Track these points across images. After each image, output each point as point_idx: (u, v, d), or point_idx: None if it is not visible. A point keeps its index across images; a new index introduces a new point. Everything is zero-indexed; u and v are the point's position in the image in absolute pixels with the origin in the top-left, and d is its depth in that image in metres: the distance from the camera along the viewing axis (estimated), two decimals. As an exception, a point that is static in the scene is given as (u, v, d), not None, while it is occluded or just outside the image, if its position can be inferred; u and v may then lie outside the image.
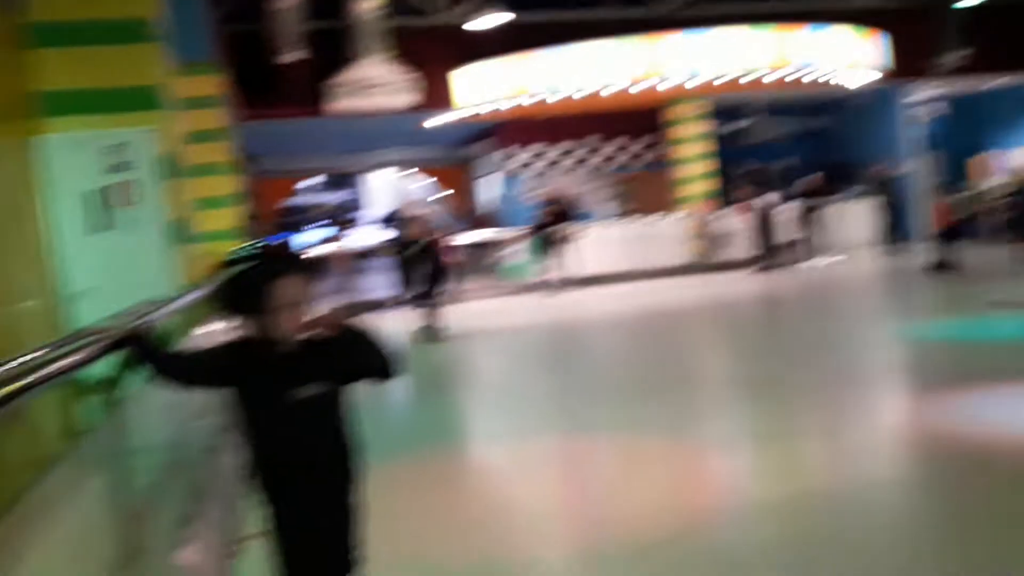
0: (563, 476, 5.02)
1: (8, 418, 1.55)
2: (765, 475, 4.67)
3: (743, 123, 20.68)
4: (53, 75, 5.59)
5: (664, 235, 15.92)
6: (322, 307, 2.36)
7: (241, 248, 2.38)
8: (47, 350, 2.11)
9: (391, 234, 14.23)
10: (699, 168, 17.18)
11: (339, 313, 2.32)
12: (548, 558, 3.77)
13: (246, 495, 4.55)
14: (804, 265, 15.57)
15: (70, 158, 5.59)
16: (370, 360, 2.34)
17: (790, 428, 5.35)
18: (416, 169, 25.12)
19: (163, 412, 4.08)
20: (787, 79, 15.42)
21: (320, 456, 2.33)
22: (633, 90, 15.14)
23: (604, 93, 15.22)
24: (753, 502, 4.21)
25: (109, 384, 2.68)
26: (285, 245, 2.54)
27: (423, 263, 14.74)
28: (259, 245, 2.38)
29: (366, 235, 19.50)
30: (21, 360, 1.84)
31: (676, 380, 7.07)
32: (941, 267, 12.61)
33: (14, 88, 5.49)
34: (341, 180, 29.53)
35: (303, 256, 2.43)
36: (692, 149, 17.22)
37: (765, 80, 15.26)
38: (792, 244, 16.07)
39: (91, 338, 2.30)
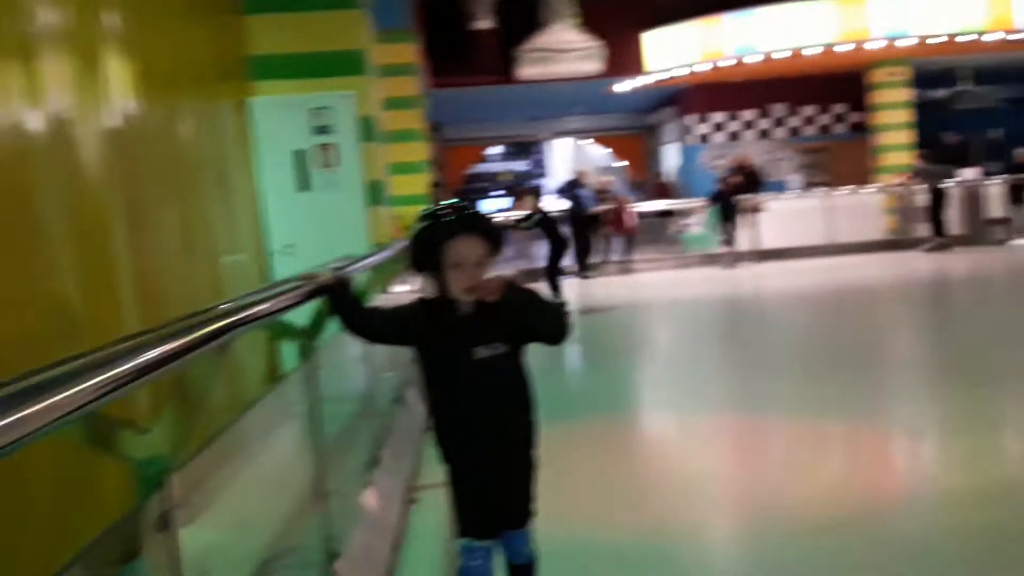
0: (736, 450, 4.89)
1: (216, 357, 1.66)
2: (952, 463, 4.35)
3: (948, 91, 19.10)
4: (263, 40, 5.94)
5: (854, 209, 14.91)
6: (496, 272, 2.35)
7: (428, 208, 2.41)
8: (254, 295, 2.26)
9: (568, 203, 14.23)
10: (899, 138, 16.08)
11: (505, 279, 2.30)
12: (718, 528, 3.70)
13: (428, 447, 4.80)
14: (1012, 244, 14.30)
15: (278, 120, 5.96)
16: (542, 323, 2.35)
17: (981, 416, 4.95)
18: (597, 137, 25.03)
19: (356, 362, 4.32)
20: (1008, 39, 14.08)
21: (499, 414, 2.35)
22: (837, 49, 14.32)
23: (805, 53, 14.49)
24: (938, 490, 3.93)
25: (307, 332, 2.87)
26: (465, 206, 2.49)
27: (599, 232, 14.79)
28: (443, 205, 2.40)
29: (545, 203, 19.62)
30: (230, 303, 1.97)
31: (858, 360, 6.69)
32: None
33: (232, 52, 5.89)
34: (523, 148, 29.92)
35: (481, 218, 2.39)
36: (892, 117, 16.12)
37: (984, 40, 14.00)
38: (998, 222, 14.78)
39: (292, 285, 2.45)
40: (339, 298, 2.44)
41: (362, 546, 3.19)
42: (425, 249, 2.32)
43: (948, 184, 14.33)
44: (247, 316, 1.78)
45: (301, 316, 2.63)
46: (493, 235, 2.32)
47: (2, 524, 2.47)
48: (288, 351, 2.87)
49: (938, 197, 14.08)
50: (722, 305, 10.87)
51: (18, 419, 0.99)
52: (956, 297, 10.73)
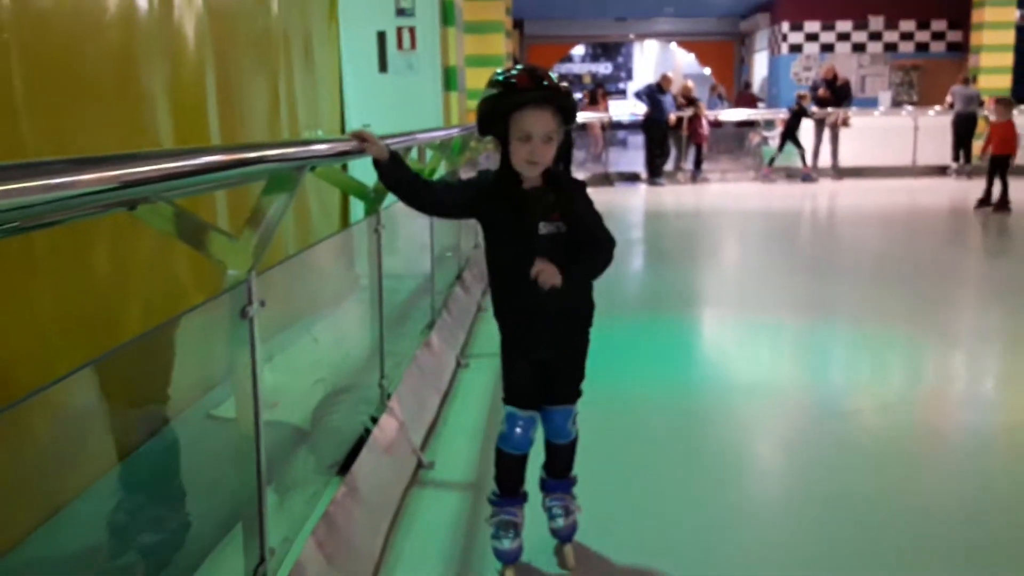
0: (789, 347, 5.07)
1: (288, 196, 1.89)
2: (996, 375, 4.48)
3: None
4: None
5: (941, 131, 14.34)
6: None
7: (499, 71, 2.23)
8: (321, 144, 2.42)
9: (647, 108, 14.09)
10: (998, 60, 15.35)
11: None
12: (766, 422, 3.92)
13: (480, 322, 5.13)
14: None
15: (362, 0, 6.15)
16: (591, 231, 2.28)
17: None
18: (686, 42, 24.39)
19: (420, 244, 4.62)
20: None
21: (558, 291, 2.22)
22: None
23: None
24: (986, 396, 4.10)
25: (375, 193, 3.15)
26: (539, 72, 2.29)
27: (677, 139, 14.66)
28: (515, 69, 2.22)
29: (624, 107, 19.44)
30: (290, 147, 2.16)
31: (918, 275, 6.74)
32: None
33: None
34: (608, 50, 29.34)
35: (556, 88, 2.17)
36: (995, 38, 15.36)
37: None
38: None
39: (352, 140, 2.40)
40: (388, 171, 2.32)
41: (414, 392, 3.55)
42: (491, 118, 2.19)
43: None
44: (289, 154, 1.94)
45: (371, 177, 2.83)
46: (567, 108, 2.17)
47: (110, 295, 2.89)
48: (360, 204, 3.13)
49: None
50: (790, 218, 10.84)
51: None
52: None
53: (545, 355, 2.36)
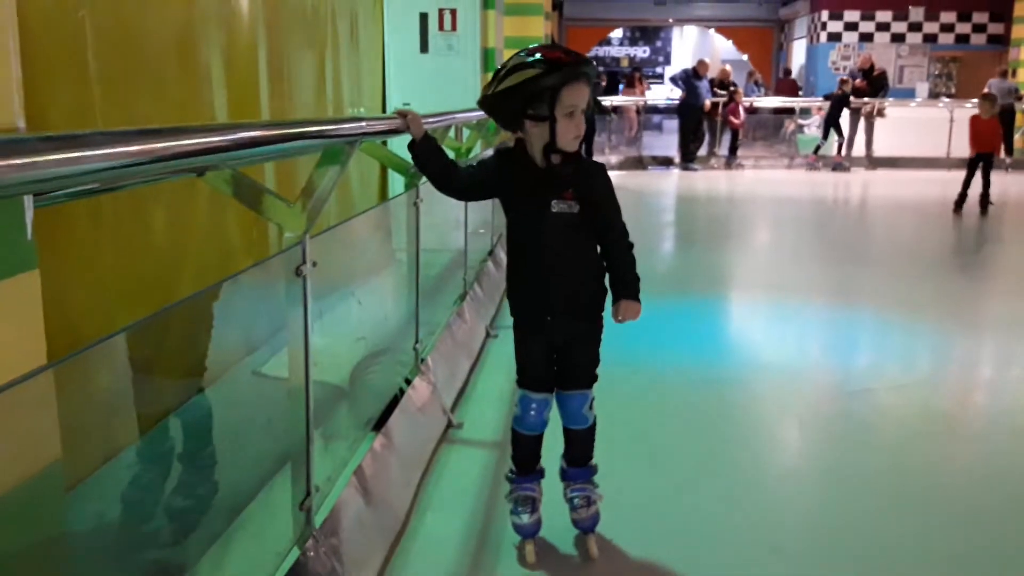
0: (813, 332, 5.16)
1: (336, 169, 2.03)
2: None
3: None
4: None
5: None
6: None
7: (527, 51, 2.18)
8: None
9: (683, 92, 14.08)
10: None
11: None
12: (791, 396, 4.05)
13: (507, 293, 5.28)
14: None
15: (406, -17, 6.30)
16: (609, 216, 2.30)
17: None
18: (725, 28, 24.21)
19: (454, 221, 4.77)
20: None
21: (567, 272, 2.27)
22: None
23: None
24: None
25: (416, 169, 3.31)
26: (567, 50, 2.32)
27: (711, 124, 14.64)
28: (544, 47, 2.19)
29: (660, 92, 19.39)
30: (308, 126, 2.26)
31: (942, 265, 6.79)
32: None
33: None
34: (646, 34, 29.19)
35: (591, 62, 2.21)
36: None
37: None
38: None
39: (389, 117, 2.47)
40: (420, 152, 2.32)
41: (446, 358, 3.73)
42: (535, 96, 2.13)
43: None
44: (310, 132, 1.96)
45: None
46: (596, 83, 2.30)
47: (168, 255, 3.10)
48: (398, 178, 3.28)
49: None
50: (820, 206, 10.85)
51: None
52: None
53: (557, 338, 2.34)
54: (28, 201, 1.12)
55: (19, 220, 1.13)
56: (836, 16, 18.47)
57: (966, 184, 9.30)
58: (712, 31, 25.05)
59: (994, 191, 9.50)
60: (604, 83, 16.91)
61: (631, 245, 2.33)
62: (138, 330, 1.67)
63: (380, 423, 2.85)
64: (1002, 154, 10.03)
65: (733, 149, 14.38)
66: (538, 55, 2.14)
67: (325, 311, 3.12)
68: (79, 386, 1.87)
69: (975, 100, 14.74)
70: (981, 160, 9.28)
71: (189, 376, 2.37)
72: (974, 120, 9.58)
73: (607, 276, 2.35)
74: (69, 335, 2.41)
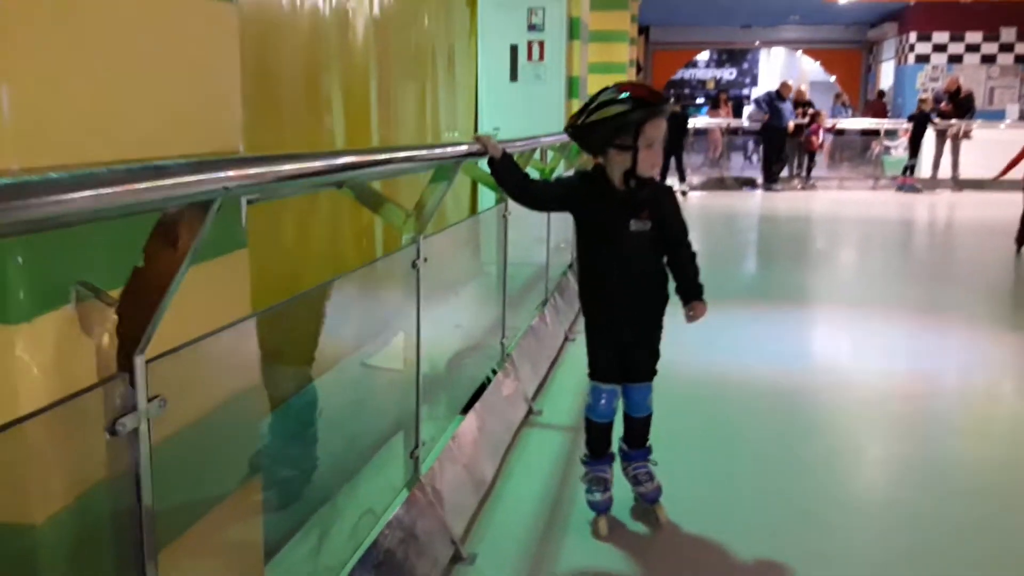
0: (882, 344, 5.35)
1: (443, 187, 2.50)
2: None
3: None
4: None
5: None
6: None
7: (615, 89, 2.48)
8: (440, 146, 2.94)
9: (767, 114, 14.23)
10: None
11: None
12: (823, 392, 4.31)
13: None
14: None
15: (499, 16, 6.79)
16: (674, 232, 2.58)
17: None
18: (812, 49, 24.10)
19: (536, 239, 5.20)
20: None
21: (638, 281, 2.56)
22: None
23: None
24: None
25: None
26: (655, 90, 2.67)
27: (793, 145, 14.72)
28: (629, 88, 2.47)
29: (745, 113, 19.46)
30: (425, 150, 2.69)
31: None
32: None
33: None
34: (733, 56, 29.21)
35: (668, 101, 2.55)
36: None
37: None
38: None
39: (471, 143, 2.75)
40: (499, 169, 2.59)
41: (528, 354, 4.16)
42: (620, 130, 2.42)
43: None
44: (414, 156, 2.34)
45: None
46: (675, 121, 2.66)
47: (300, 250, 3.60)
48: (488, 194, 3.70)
49: None
50: (897, 226, 10.89)
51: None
52: None
53: (626, 336, 2.63)
54: (243, 200, 1.60)
55: (236, 213, 1.60)
56: (924, 37, 18.28)
57: None
58: (799, 53, 24.95)
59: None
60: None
61: (695, 255, 2.67)
62: (302, 303, 2.14)
63: (469, 405, 3.29)
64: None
65: (809, 170, 14.46)
66: (627, 93, 2.44)
67: (427, 308, 3.60)
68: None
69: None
70: None
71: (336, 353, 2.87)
72: None
73: (670, 284, 2.66)
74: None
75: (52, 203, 0.97)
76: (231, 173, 1.30)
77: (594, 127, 2.47)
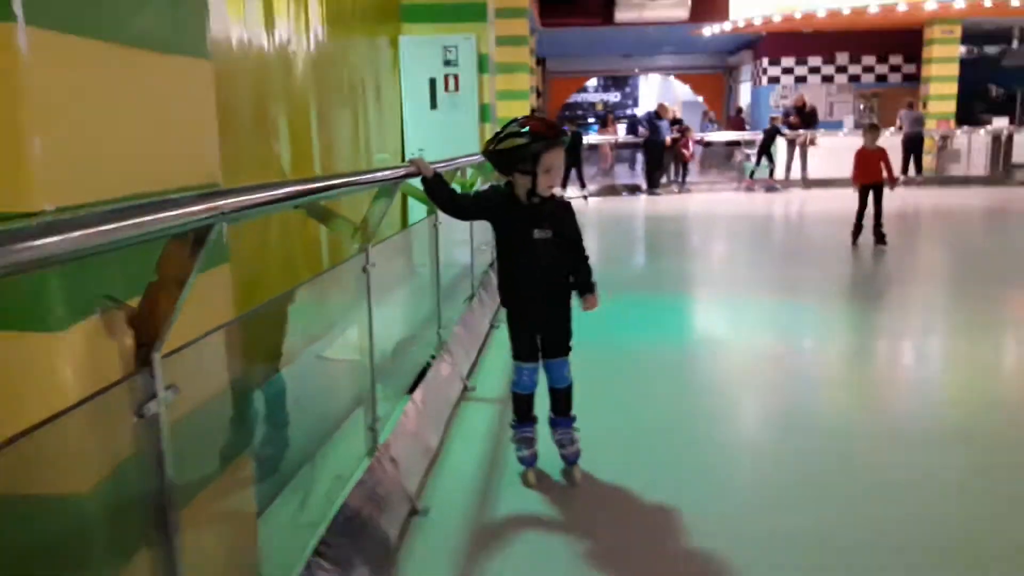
0: (756, 318, 5.67)
1: (381, 205, 2.62)
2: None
3: (998, 48, 18.34)
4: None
5: (897, 148, 14.85)
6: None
7: (516, 123, 2.63)
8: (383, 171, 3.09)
9: (647, 131, 14.71)
10: (945, 89, 15.80)
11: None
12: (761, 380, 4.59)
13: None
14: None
15: (418, 54, 6.88)
16: (572, 237, 2.73)
17: (996, 318, 5.63)
18: (682, 74, 24.89)
19: (461, 241, 5.33)
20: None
21: (545, 276, 2.70)
22: (900, 8, 14.21)
23: (872, 10, 14.43)
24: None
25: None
26: (553, 123, 2.83)
27: (670, 156, 15.25)
28: (529, 124, 2.59)
29: (628, 130, 20.00)
30: (372, 173, 2.82)
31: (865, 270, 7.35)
32: None
33: (390, 1, 6.85)
34: (617, 82, 29.90)
35: (564, 134, 2.68)
36: (942, 70, 15.82)
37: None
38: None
39: (403, 165, 2.91)
40: (432, 186, 2.71)
41: (460, 341, 4.29)
42: (519, 158, 2.56)
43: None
44: (364, 179, 2.50)
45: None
46: (570, 149, 2.83)
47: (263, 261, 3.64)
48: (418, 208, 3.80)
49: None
50: (759, 219, 11.46)
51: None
52: (981, 225, 11.00)
53: (539, 323, 2.79)
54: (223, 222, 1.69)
55: (219, 233, 1.68)
56: (775, 62, 19.17)
57: (860, 215, 8.15)
58: (672, 77, 25.77)
59: (912, 202, 9.86)
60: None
61: (588, 258, 2.83)
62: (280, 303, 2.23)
63: (415, 385, 3.41)
64: (896, 174, 8.85)
65: (683, 176, 15.04)
66: (527, 127, 2.58)
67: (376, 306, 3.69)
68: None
69: (892, 128, 15.46)
70: (871, 190, 8.07)
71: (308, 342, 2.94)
72: (860, 152, 8.14)
73: (571, 278, 2.81)
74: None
75: (96, 234, 1.07)
76: (225, 201, 1.40)
77: (502, 154, 2.62)
